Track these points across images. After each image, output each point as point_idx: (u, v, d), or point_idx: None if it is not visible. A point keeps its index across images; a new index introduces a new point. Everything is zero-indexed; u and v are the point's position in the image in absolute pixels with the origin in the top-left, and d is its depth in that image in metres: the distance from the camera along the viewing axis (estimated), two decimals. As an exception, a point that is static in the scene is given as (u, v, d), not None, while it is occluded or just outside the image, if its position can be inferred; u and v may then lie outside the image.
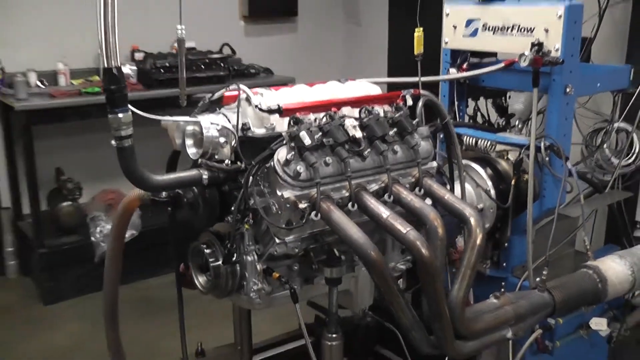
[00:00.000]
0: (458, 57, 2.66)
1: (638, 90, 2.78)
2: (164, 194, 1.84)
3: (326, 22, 5.82)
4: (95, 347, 2.18)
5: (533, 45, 2.22)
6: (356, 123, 1.75)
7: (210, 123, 1.69)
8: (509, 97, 2.85)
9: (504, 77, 2.51)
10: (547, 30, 2.23)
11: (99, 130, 3.34)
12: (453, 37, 2.61)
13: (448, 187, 2.18)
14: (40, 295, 4.14)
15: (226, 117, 1.75)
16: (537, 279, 1.97)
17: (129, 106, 1.56)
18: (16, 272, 4.48)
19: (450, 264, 2.23)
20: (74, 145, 4.23)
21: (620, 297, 2.40)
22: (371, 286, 2.31)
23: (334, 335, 1.85)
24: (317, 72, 5.27)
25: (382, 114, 1.83)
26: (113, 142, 1.54)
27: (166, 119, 1.72)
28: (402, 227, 1.63)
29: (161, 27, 4.75)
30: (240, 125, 1.71)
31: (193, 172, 1.69)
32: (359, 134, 1.74)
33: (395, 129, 1.83)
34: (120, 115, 1.52)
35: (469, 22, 2.54)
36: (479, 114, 2.92)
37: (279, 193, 1.64)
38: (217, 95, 1.80)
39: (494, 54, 2.65)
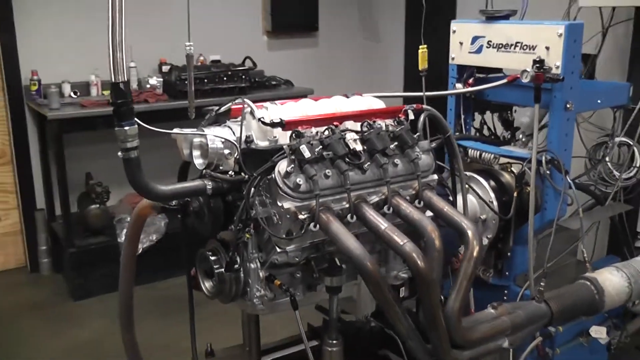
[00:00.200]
0: (464, 72, 2.60)
1: (638, 106, 2.69)
2: (174, 202, 1.82)
3: (345, 38, 5.78)
4: (120, 342, 2.18)
5: (535, 62, 2.15)
6: (357, 136, 1.70)
7: (215, 135, 1.65)
8: (515, 110, 2.78)
9: (507, 92, 2.44)
10: (548, 48, 2.16)
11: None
12: (459, 53, 2.56)
13: (451, 198, 2.13)
14: (70, 292, 4.15)
15: (231, 129, 1.72)
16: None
17: (135, 119, 1.53)
18: (49, 269, 4.51)
19: (453, 273, 2.16)
20: (103, 151, 4.22)
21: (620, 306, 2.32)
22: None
23: (334, 342, 1.80)
24: (336, 85, 5.22)
25: (384, 128, 1.78)
26: (120, 153, 1.51)
27: (173, 132, 1.69)
28: (400, 239, 1.58)
29: (186, 41, 4.77)
30: (244, 138, 1.67)
31: (197, 183, 1.66)
32: (359, 147, 1.68)
33: (396, 143, 1.77)
34: (126, 128, 1.49)
35: (474, 39, 2.48)
36: (485, 127, 2.86)
37: (279, 204, 1.59)
38: (223, 108, 1.76)
39: (500, 70, 2.58)
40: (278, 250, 1.65)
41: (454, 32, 2.56)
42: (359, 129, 1.78)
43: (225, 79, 4.43)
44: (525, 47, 2.26)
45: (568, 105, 2.20)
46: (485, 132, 2.84)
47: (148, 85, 4.38)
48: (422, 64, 2.25)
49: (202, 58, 4.79)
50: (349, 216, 1.65)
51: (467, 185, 2.31)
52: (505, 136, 2.78)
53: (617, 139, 2.76)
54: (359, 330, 2.20)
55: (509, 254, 2.42)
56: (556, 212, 2.25)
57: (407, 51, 5.32)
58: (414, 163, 1.78)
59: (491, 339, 1.72)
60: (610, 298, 1.97)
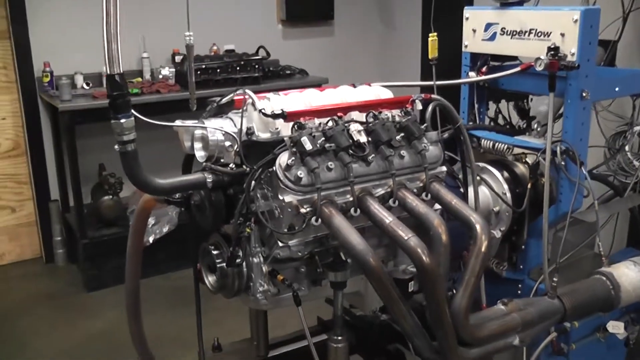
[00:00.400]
0: (478, 60, 2.54)
1: (659, 94, 2.60)
2: (177, 194, 1.79)
3: (361, 26, 5.71)
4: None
5: (549, 49, 2.08)
6: (361, 128, 1.65)
7: (215, 128, 1.61)
8: (531, 99, 2.70)
9: (522, 81, 2.37)
10: (563, 35, 2.08)
11: (137, 128, 3.33)
12: (472, 41, 2.49)
13: (462, 190, 2.08)
14: (83, 283, 4.17)
15: (232, 121, 1.68)
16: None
17: (132, 111, 1.49)
18: (64, 260, 4.54)
19: (464, 266, 2.11)
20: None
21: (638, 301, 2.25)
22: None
23: (339, 338, 1.75)
24: (352, 74, 5.17)
25: (390, 119, 1.73)
26: (116, 146, 1.49)
27: (172, 124, 1.66)
28: (404, 234, 1.53)
29: (200, 31, 4.73)
30: (245, 130, 1.63)
31: (197, 176, 1.62)
32: (363, 138, 1.63)
33: (402, 134, 1.72)
34: (122, 120, 1.46)
35: (487, 26, 2.41)
36: (500, 116, 2.79)
37: (280, 197, 1.55)
38: (225, 99, 1.72)
39: (514, 58, 2.51)
40: (280, 244, 1.61)
41: (467, 19, 2.49)
42: (364, 119, 1.72)
43: (238, 68, 4.40)
44: (539, 34, 2.18)
45: (584, 94, 2.12)
46: (500, 121, 2.78)
47: (160, 76, 4.36)
48: (432, 52, 2.19)
49: (215, 48, 4.76)
50: (352, 210, 1.61)
51: (479, 177, 2.26)
52: (521, 125, 2.71)
53: (636, 128, 2.67)
54: (370, 325, 2.17)
55: (523, 247, 2.35)
56: (571, 204, 2.18)
57: (424, 40, 5.23)
58: (421, 154, 1.73)
59: (500, 336, 1.67)
60: (626, 294, 1.91)
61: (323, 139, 1.59)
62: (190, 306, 2.00)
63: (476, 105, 2.62)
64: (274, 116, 1.61)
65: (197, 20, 4.75)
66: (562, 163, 2.18)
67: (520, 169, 2.31)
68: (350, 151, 1.62)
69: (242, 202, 1.56)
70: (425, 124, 1.80)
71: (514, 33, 2.29)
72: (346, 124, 1.64)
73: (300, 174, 1.54)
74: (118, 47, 1.43)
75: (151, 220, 4.29)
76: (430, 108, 1.87)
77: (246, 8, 5.07)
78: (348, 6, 5.57)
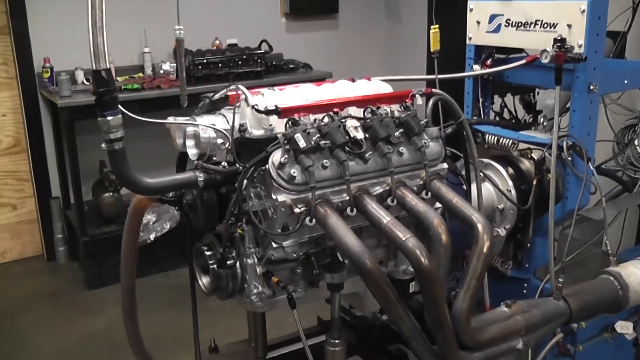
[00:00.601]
0: (482, 53, 2.47)
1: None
2: (171, 193, 1.74)
3: (367, 20, 5.64)
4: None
5: (555, 41, 2.01)
6: (358, 124, 1.59)
7: (205, 125, 1.56)
8: (538, 93, 2.64)
9: (527, 74, 2.30)
10: (570, 26, 2.01)
11: (138, 124, 3.31)
12: (477, 33, 2.42)
13: (465, 188, 2.02)
14: (85, 281, 4.14)
15: (225, 117, 1.62)
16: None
17: (120, 108, 1.44)
18: (66, 257, 4.52)
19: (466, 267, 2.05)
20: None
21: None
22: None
23: (336, 341, 1.70)
24: (356, 68, 5.09)
25: (389, 114, 1.67)
26: (103, 145, 1.44)
27: (162, 122, 1.61)
28: (402, 234, 1.47)
29: (202, 25, 4.69)
30: (237, 127, 1.57)
31: (189, 175, 1.57)
32: (360, 135, 1.57)
33: (401, 130, 1.66)
34: (109, 118, 1.41)
35: (492, 18, 2.34)
36: (505, 110, 2.72)
37: (273, 197, 1.50)
38: (217, 95, 1.67)
39: (520, 50, 2.44)
40: (274, 245, 1.56)
41: (471, 10, 2.43)
42: (362, 115, 1.67)
43: (240, 63, 4.35)
44: (545, 25, 2.12)
45: (591, 87, 2.06)
46: (506, 115, 2.71)
47: (162, 71, 4.32)
48: (434, 45, 2.13)
49: (217, 42, 4.71)
50: (348, 209, 1.55)
51: (483, 174, 2.20)
52: (527, 120, 2.65)
53: (645, 122, 2.60)
54: (370, 325, 2.12)
55: (528, 245, 2.30)
56: (577, 201, 2.11)
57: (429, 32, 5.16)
58: (420, 151, 1.67)
59: (503, 340, 1.62)
60: (635, 294, 1.84)
61: (318, 135, 1.53)
62: (190, 304, 1.97)
63: (481, 100, 2.55)
64: (267, 112, 1.55)
65: (199, 14, 4.74)
66: (569, 159, 2.11)
67: (526, 165, 2.25)
68: (347, 148, 1.56)
69: (233, 202, 1.51)
70: (425, 119, 1.74)
71: (519, 24, 2.23)
72: (342, 120, 1.59)
73: (294, 172, 1.49)
74: (104, 41, 1.39)
75: (152, 218, 4.25)
76: (431, 103, 1.81)
77: (249, 1, 5.02)
78: (353, -1, 5.51)
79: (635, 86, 2.40)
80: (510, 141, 2.29)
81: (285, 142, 1.50)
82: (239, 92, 1.60)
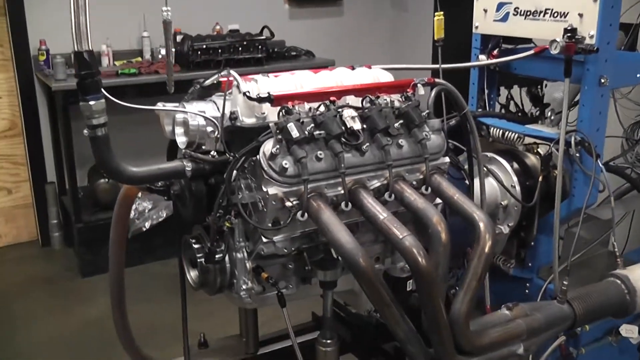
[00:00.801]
0: (489, 42, 2.39)
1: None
2: (160, 182, 1.66)
3: (371, 7, 5.54)
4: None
5: (566, 31, 1.92)
6: (355, 114, 1.51)
7: (193, 112, 1.48)
8: (546, 85, 2.55)
9: (536, 65, 2.22)
10: (581, 16, 1.93)
11: (135, 110, 3.24)
12: (483, 22, 2.34)
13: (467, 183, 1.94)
14: (79, 268, 4.08)
15: (216, 104, 1.54)
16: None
17: (104, 92, 1.37)
18: (61, 243, 4.46)
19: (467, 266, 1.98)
20: (112, 124, 4.11)
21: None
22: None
23: (328, 341, 1.63)
24: (361, 56, 5.01)
25: (389, 104, 1.59)
26: (85, 131, 1.36)
27: (149, 108, 1.53)
28: (399, 232, 1.40)
29: (203, 10, 4.60)
30: (228, 114, 1.49)
31: (176, 164, 1.50)
32: (357, 125, 1.49)
33: (401, 121, 1.58)
34: (92, 102, 1.34)
35: (500, 6, 2.26)
36: (512, 103, 2.64)
37: (264, 189, 1.42)
38: (209, 81, 1.59)
39: (528, 40, 2.36)
40: (264, 240, 1.49)
41: (478, -3, 2.34)
42: (360, 105, 1.58)
43: (240, 49, 4.26)
44: (555, 14, 2.03)
45: (602, 80, 1.97)
46: (512, 108, 2.63)
47: (160, 56, 4.24)
48: (439, 33, 2.05)
49: (218, 27, 4.62)
50: (343, 204, 1.47)
51: (487, 168, 2.12)
52: (534, 113, 2.57)
53: (657, 118, 2.52)
54: (366, 324, 2.05)
55: (532, 243, 2.22)
56: (585, 199, 2.03)
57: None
58: (421, 144, 1.59)
59: (503, 344, 1.54)
60: (643, 298, 1.76)
61: (312, 125, 1.46)
62: (187, 294, 1.91)
63: (486, 91, 2.48)
64: (260, 100, 1.47)
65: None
66: (577, 155, 2.03)
67: (532, 160, 2.18)
68: (343, 139, 1.48)
69: (222, 193, 1.44)
70: (427, 111, 1.65)
71: (528, 13, 2.15)
72: (339, 110, 1.51)
73: (286, 164, 1.41)
74: (87, 21, 1.31)
75: (148, 205, 4.20)
76: (433, 93, 1.73)
77: (252, -13, 4.92)
78: (358, -14, 5.41)
79: (647, 80, 2.32)
80: (516, 135, 2.21)
81: (278, 131, 1.42)
82: (231, 77, 1.52)
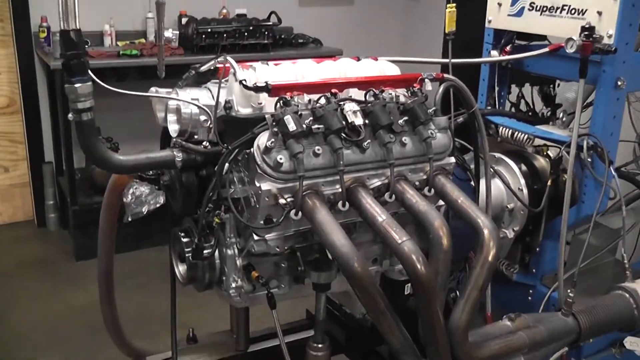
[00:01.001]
0: (502, 38, 2.30)
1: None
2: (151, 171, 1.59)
3: (384, -4, 5.44)
4: (118, 308, 2.03)
5: (583, 29, 1.84)
6: (358, 108, 1.43)
7: (184, 100, 1.40)
8: (558, 84, 2.47)
9: (550, 64, 2.14)
10: (600, 14, 1.85)
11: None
12: (497, 16, 2.26)
13: (472, 184, 1.87)
14: (73, 251, 4.02)
15: (211, 92, 1.47)
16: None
17: (91, 74, 1.29)
18: (56, 224, 4.40)
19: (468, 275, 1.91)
20: (112, 106, 4.04)
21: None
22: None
23: (319, 345, 1.56)
24: (370, 47, 4.92)
25: (393, 99, 1.51)
26: (70, 115, 1.29)
27: (139, 94, 1.45)
28: (398, 236, 1.32)
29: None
30: (223, 103, 1.42)
31: (166, 153, 1.43)
32: (359, 120, 1.41)
33: (406, 118, 1.50)
34: (77, 85, 1.26)
35: (515, 0, 2.17)
36: (522, 101, 2.56)
37: (257, 184, 1.35)
38: (204, 67, 1.51)
39: (543, 37, 2.27)
40: (255, 237, 1.41)
41: (493, -9, 2.25)
42: (363, 98, 1.50)
43: (246, 34, 4.16)
44: (573, 11, 1.95)
45: (619, 83, 1.89)
46: (523, 107, 2.55)
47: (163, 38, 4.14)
48: (450, 25, 1.96)
49: (225, 11, 4.52)
50: (340, 203, 1.40)
51: (494, 169, 2.04)
52: (545, 113, 2.49)
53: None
54: (360, 326, 1.98)
55: (537, 249, 2.15)
56: (595, 206, 1.95)
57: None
58: (426, 143, 1.51)
59: (503, 357, 1.47)
60: (652, 313, 1.69)
61: (311, 118, 1.38)
62: (178, 286, 1.84)
63: (496, 89, 2.41)
64: (257, 89, 1.39)
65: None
66: (589, 159, 1.95)
67: (541, 162, 2.11)
68: (343, 135, 1.40)
69: (212, 187, 1.36)
70: (434, 107, 1.57)
71: (545, 9, 2.07)
72: (341, 103, 1.43)
73: (281, 158, 1.33)
74: (75, -2, 1.23)
75: (145, 190, 4.13)
76: (441, 89, 1.64)
77: (261, -27, 4.82)
78: (370, -27, 5.30)
79: (665, 84, 2.22)
80: (526, 136, 2.14)
81: (274, 123, 1.34)
82: (227, 64, 1.44)
